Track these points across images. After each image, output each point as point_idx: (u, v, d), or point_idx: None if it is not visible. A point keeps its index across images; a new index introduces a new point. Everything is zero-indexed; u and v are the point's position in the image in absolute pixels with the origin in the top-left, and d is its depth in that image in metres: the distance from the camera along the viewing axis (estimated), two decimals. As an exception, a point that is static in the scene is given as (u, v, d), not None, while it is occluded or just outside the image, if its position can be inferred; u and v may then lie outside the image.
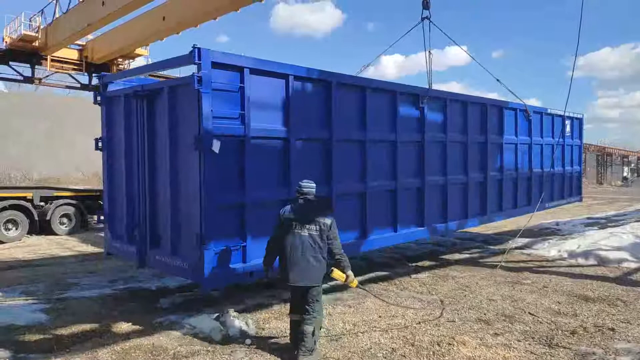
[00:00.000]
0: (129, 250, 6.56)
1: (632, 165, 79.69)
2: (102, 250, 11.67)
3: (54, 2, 22.00)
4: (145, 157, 6.28)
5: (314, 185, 4.87)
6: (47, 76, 26.00)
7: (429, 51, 9.12)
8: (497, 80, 10.87)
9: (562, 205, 13.31)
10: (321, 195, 4.80)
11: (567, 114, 13.14)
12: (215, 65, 5.40)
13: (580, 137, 14.47)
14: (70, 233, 13.63)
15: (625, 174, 74.09)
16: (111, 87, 7.00)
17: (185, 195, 5.69)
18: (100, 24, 20.71)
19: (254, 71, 5.82)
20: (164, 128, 6.01)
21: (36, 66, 24.89)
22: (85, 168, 31.32)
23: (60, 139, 34.66)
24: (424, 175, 8.25)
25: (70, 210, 13.80)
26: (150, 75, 8.98)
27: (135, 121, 6.41)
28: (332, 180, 6.71)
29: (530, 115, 11.32)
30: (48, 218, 13.30)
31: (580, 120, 14.32)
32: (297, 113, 6.27)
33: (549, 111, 12.42)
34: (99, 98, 7.10)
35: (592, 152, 64.68)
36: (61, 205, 13.60)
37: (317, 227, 4.62)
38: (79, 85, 27.24)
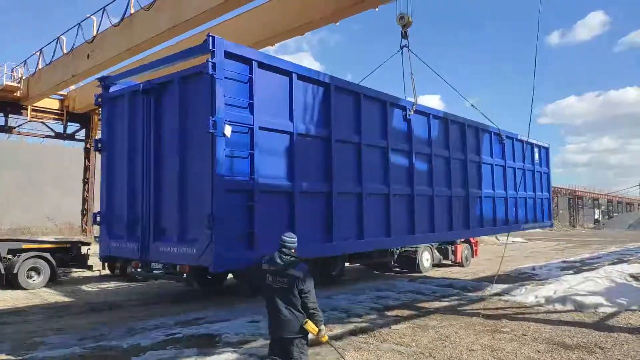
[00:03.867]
0: (129, 247, 6.59)
1: (603, 207, 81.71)
2: (74, 299, 11.32)
3: (38, 53, 22.18)
4: (151, 151, 6.45)
5: (295, 239, 4.81)
6: (20, 125, 25.79)
7: (411, 72, 9.83)
8: (472, 105, 11.58)
9: (535, 228, 13.89)
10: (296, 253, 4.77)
11: (534, 142, 13.91)
12: (228, 54, 5.71)
13: (548, 165, 15.20)
14: (39, 287, 13.10)
15: (596, 217, 75.83)
16: (113, 89, 7.11)
17: (195, 181, 5.81)
18: (85, 76, 20.93)
19: (261, 65, 6.15)
20: (173, 119, 6.19)
21: (10, 115, 24.75)
22: (57, 218, 30.53)
23: (32, 188, 33.92)
24: (413, 184, 8.95)
25: (40, 263, 13.31)
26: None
27: (141, 116, 6.62)
28: (332, 180, 7.03)
29: (504, 139, 11.99)
30: (15, 271, 12.79)
31: (547, 150, 15.15)
32: (299, 109, 6.62)
33: (519, 137, 13.11)
34: (100, 99, 7.25)
35: (564, 195, 66.19)
36: (30, 258, 13.12)
37: (289, 280, 4.56)
38: (53, 134, 27.05)
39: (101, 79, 7.47)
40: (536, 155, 14.30)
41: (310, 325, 4.60)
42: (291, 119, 6.47)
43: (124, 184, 6.78)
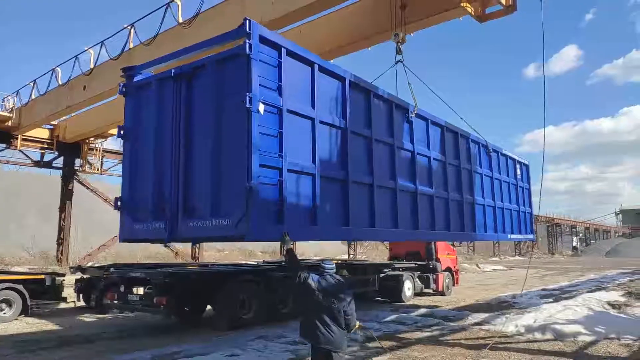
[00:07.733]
0: (154, 227, 6.77)
1: (580, 235, 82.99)
2: (46, 332, 10.95)
3: (32, 84, 22.04)
4: (181, 133, 6.68)
5: (334, 265, 5.36)
6: (-3, 153, 25.33)
7: (408, 82, 10.59)
8: (461, 118, 12.41)
9: (520, 240, 14.32)
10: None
11: (516, 158, 14.53)
12: (261, 39, 6.12)
13: (528, 182, 15.85)
14: (10, 320, 12.66)
15: (575, 244, 76.86)
16: (137, 78, 7.52)
17: (229, 157, 6.11)
18: (80, 107, 20.79)
19: (289, 53, 6.58)
20: (206, 101, 6.50)
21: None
22: (34, 246, 29.76)
23: (9, 216, 33.13)
24: (417, 183, 9.35)
25: (11, 295, 12.88)
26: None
27: (171, 100, 6.87)
28: (347, 167, 7.49)
29: (491, 152, 12.54)
30: (-15, 304, 12.35)
31: (527, 166, 15.90)
32: (320, 98, 7.06)
33: (503, 152, 13.72)
34: (124, 89, 7.53)
35: (542, 222, 67.01)
36: (1, 290, 12.70)
37: (339, 300, 5.01)
38: (30, 162, 26.68)
39: (125, 69, 7.77)
40: (518, 171, 14.96)
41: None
42: (313, 106, 6.87)
43: (150, 168, 6.96)
